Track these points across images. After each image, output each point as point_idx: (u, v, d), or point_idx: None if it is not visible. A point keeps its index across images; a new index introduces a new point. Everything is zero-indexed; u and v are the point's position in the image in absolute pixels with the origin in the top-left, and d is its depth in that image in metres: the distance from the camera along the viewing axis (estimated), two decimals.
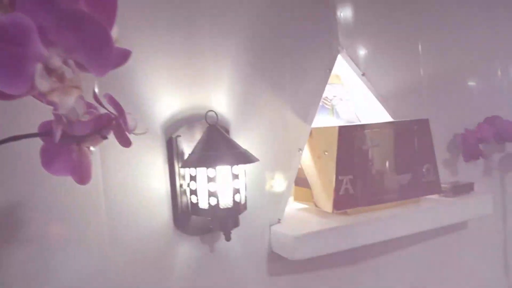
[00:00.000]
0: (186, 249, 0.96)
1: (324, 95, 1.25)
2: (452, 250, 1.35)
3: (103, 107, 0.46)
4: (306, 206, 1.19)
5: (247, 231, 1.03)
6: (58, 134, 0.38)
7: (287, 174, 1.08)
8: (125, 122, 0.46)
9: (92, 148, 0.47)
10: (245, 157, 0.90)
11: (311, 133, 1.13)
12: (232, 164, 0.89)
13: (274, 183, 1.07)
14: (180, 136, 0.94)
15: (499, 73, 1.44)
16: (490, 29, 1.43)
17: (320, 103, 1.23)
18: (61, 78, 0.33)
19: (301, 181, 1.17)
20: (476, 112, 1.37)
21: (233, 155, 0.88)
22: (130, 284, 0.90)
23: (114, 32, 0.37)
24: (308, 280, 1.13)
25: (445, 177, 1.30)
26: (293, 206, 1.20)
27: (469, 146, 1.30)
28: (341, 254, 1.05)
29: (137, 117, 0.87)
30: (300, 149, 1.10)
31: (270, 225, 1.06)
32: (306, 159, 1.15)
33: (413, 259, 1.29)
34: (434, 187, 1.17)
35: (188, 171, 0.93)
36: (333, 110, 1.30)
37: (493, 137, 1.27)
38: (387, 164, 1.12)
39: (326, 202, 1.09)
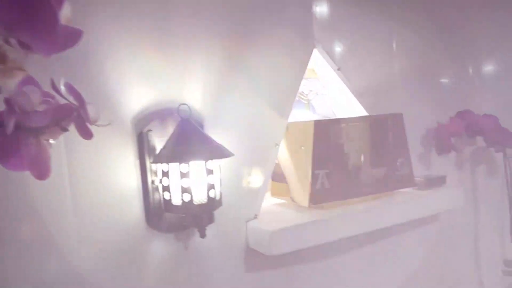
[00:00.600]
0: (160, 247, 0.93)
1: (300, 90, 1.24)
2: (425, 242, 1.37)
3: (62, 96, 0.43)
4: (283, 201, 1.18)
5: (223, 227, 1.01)
6: (10, 125, 0.35)
7: (263, 169, 1.07)
8: (86, 113, 0.43)
9: (51, 141, 0.44)
10: (219, 152, 0.88)
11: (287, 127, 1.12)
12: (206, 159, 0.87)
13: (251, 178, 1.05)
14: (151, 130, 0.91)
15: (471, 71, 1.47)
16: (462, 29, 1.45)
17: (296, 98, 1.22)
18: (2, 58, 0.30)
19: (278, 176, 1.16)
20: (448, 107, 1.39)
21: (207, 150, 0.86)
22: (102, 285, 0.87)
23: (65, 10, 0.34)
24: (285, 276, 1.12)
25: (419, 170, 1.31)
26: (270, 202, 1.19)
27: (442, 140, 1.31)
28: (318, 248, 1.05)
29: (105, 111, 0.86)
30: (277, 144, 1.09)
31: (247, 221, 1.04)
32: (283, 154, 1.14)
33: (388, 251, 1.30)
34: (408, 181, 1.18)
35: (160, 167, 0.90)
36: (309, 105, 1.29)
37: (465, 131, 1.29)
38: (362, 158, 1.12)
39: (302, 197, 1.08)
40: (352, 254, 1.23)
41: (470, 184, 1.48)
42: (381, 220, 1.11)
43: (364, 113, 1.24)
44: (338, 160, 1.09)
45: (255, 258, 1.05)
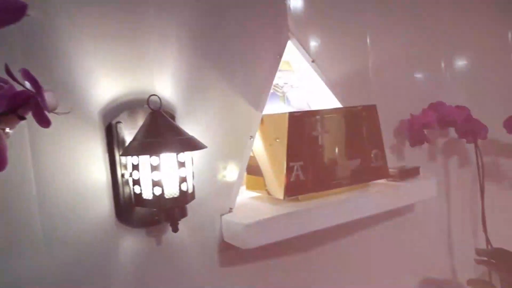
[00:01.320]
0: (131, 243, 0.90)
1: (275, 82, 1.23)
2: (399, 232, 1.38)
3: (18, 82, 0.40)
4: (258, 194, 1.16)
5: (197, 221, 0.99)
6: None
7: (238, 162, 1.05)
8: (43, 100, 0.40)
9: (8, 130, 0.41)
10: (191, 144, 0.85)
11: (262, 120, 1.10)
12: (177, 151, 0.85)
13: (225, 171, 1.04)
14: (120, 122, 0.88)
15: (443, 65, 1.49)
16: (435, 24, 1.47)
17: (271, 91, 1.21)
18: None
19: (253, 169, 1.15)
20: (422, 99, 1.40)
21: (178, 142, 0.83)
22: (72, 284, 0.84)
23: None
24: (261, 269, 1.11)
25: (392, 162, 1.32)
26: (245, 195, 1.18)
27: (415, 132, 1.32)
28: (293, 241, 1.04)
29: (72, 102, 0.82)
30: (252, 137, 1.08)
31: (221, 215, 1.03)
32: (258, 147, 1.13)
33: (363, 242, 1.30)
34: (382, 172, 1.19)
35: (130, 160, 0.88)
36: (284, 98, 1.28)
37: (437, 122, 1.30)
38: (336, 150, 1.12)
39: (277, 189, 1.07)
40: (328, 245, 1.24)
41: (443, 175, 1.50)
42: (355, 212, 1.11)
43: (338, 105, 1.23)
44: (312, 152, 1.08)
45: (230, 252, 1.04)
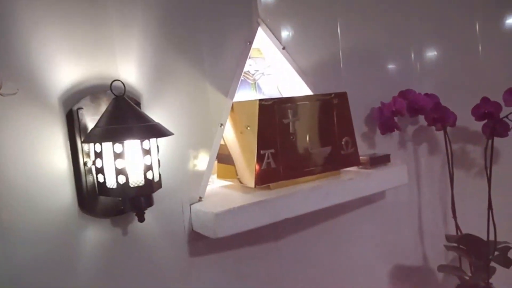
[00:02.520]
0: (95, 234, 0.87)
1: (246, 70, 1.22)
2: (370, 220, 1.39)
3: None
4: (230, 183, 1.15)
5: (165, 210, 0.97)
6: None
7: (208, 150, 1.03)
8: None
9: None
10: (156, 131, 0.83)
11: (232, 107, 1.09)
12: (141, 138, 0.82)
13: (194, 160, 1.01)
14: (82, 108, 0.85)
15: (412, 54, 1.50)
16: (405, 14, 1.47)
17: (242, 78, 1.19)
18: None
19: (224, 158, 1.13)
20: (392, 88, 1.40)
21: (143, 129, 0.81)
22: (34, 278, 0.80)
23: None
24: (232, 258, 1.09)
25: (363, 149, 1.33)
26: (216, 184, 1.16)
27: (385, 119, 1.33)
28: (265, 230, 1.04)
29: (29, 87, 0.78)
30: (222, 124, 1.06)
31: (191, 204, 1.01)
32: (229, 135, 1.11)
33: (334, 230, 1.30)
34: (353, 160, 1.19)
35: (92, 147, 0.84)
36: (255, 85, 1.26)
37: (407, 110, 1.31)
38: (307, 137, 1.11)
39: (249, 178, 1.05)
40: (300, 233, 1.23)
41: (413, 162, 1.51)
42: (327, 199, 1.10)
43: (309, 92, 1.22)
44: (284, 140, 1.07)
45: (200, 242, 1.02)
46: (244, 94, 1.22)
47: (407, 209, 1.50)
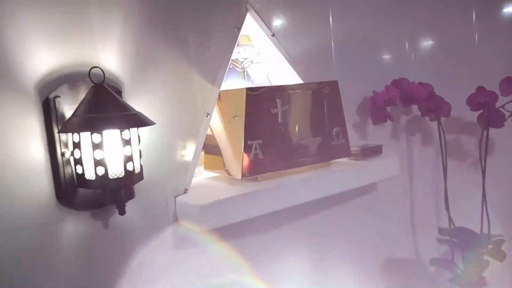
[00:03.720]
0: (74, 227, 0.84)
1: (234, 57, 1.19)
2: (362, 212, 1.37)
3: None
4: (217, 174, 1.12)
5: (148, 203, 0.94)
6: None
7: (194, 141, 1.00)
8: None
9: None
10: (136, 120, 0.79)
11: (220, 96, 1.05)
12: (121, 128, 0.79)
13: (179, 150, 0.98)
14: (59, 96, 0.81)
15: (407, 44, 1.47)
16: (399, 2, 1.44)
17: (230, 66, 1.16)
18: None
19: (212, 149, 1.10)
20: (385, 77, 1.37)
21: (123, 118, 0.77)
22: (8, 276, 0.77)
23: None
24: (218, 251, 1.07)
25: (355, 140, 1.30)
26: (203, 175, 1.13)
27: (377, 109, 1.30)
28: (253, 222, 1.01)
29: (2, 73, 0.75)
30: (208, 114, 1.03)
31: (175, 196, 0.98)
32: (217, 125, 1.08)
33: (325, 222, 1.28)
34: (343, 150, 1.16)
35: (70, 137, 0.81)
36: (244, 73, 1.23)
37: (400, 100, 1.28)
38: (297, 127, 1.08)
39: (236, 169, 1.03)
40: (288, 226, 1.21)
41: (405, 153, 1.48)
42: (316, 191, 1.08)
43: (299, 81, 1.19)
44: (272, 130, 1.04)
45: (185, 234, 0.99)
46: (232, 83, 1.19)
47: (399, 201, 1.48)
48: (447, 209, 1.38)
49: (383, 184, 1.37)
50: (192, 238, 1.01)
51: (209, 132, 1.08)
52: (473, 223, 1.32)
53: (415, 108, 1.41)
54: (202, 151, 1.08)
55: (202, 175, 1.14)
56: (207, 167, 1.13)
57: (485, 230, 1.31)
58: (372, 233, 1.40)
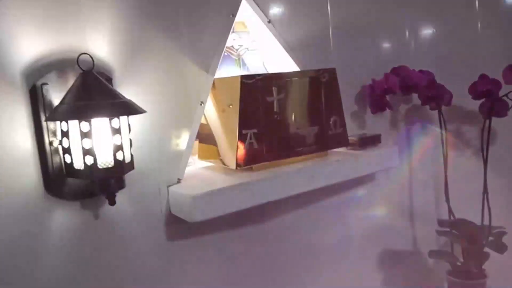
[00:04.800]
0: (63, 218, 0.83)
1: (229, 44, 1.16)
2: (359, 202, 1.35)
3: None
4: (211, 164, 1.10)
5: (140, 193, 0.93)
6: None
7: (187, 130, 0.98)
8: None
9: None
10: (126, 108, 0.77)
11: (214, 84, 1.03)
12: (110, 116, 0.76)
13: (172, 139, 0.97)
14: (47, 84, 0.79)
15: (407, 32, 1.44)
16: None
17: (226, 53, 1.14)
18: None
19: (206, 138, 1.08)
20: (384, 65, 1.34)
21: (112, 106, 0.75)
22: None
23: None
24: (213, 242, 1.06)
25: (353, 129, 1.27)
26: (197, 165, 1.11)
27: (376, 98, 1.27)
28: (248, 212, 0.99)
29: None
30: (202, 102, 1.01)
31: (168, 186, 0.96)
32: (211, 114, 1.06)
33: (322, 213, 1.26)
34: (341, 140, 1.14)
35: (59, 126, 0.79)
36: (239, 61, 1.21)
37: (399, 88, 1.25)
38: (293, 116, 1.06)
39: (231, 159, 1.01)
40: (285, 216, 1.19)
41: (405, 143, 1.46)
42: (312, 182, 1.06)
43: (296, 68, 1.17)
44: (267, 119, 1.02)
45: (178, 225, 0.98)
46: (227, 71, 1.16)
47: (398, 191, 1.46)
48: (447, 200, 1.36)
49: (382, 175, 1.35)
50: (186, 229, 0.99)
51: (203, 120, 1.06)
52: (474, 215, 1.29)
53: (415, 97, 1.38)
54: (196, 140, 1.06)
55: (196, 165, 1.12)
56: (201, 156, 1.11)
57: (486, 222, 1.29)
58: (369, 223, 1.38)
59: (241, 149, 0.98)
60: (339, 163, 1.11)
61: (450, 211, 1.36)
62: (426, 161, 1.49)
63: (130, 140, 0.83)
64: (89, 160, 0.76)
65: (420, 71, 1.30)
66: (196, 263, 1.03)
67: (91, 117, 0.75)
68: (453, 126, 1.46)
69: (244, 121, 0.98)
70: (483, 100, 1.26)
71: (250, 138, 1.00)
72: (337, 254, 1.30)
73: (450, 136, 1.39)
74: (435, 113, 1.36)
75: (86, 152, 0.76)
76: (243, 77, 0.98)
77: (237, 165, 0.99)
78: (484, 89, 1.22)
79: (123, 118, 0.80)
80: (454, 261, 1.34)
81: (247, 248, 1.12)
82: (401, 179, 1.45)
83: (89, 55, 0.80)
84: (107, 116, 0.76)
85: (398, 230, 1.47)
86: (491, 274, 1.30)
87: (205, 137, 1.09)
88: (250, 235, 1.13)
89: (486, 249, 1.28)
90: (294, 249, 1.21)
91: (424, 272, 1.53)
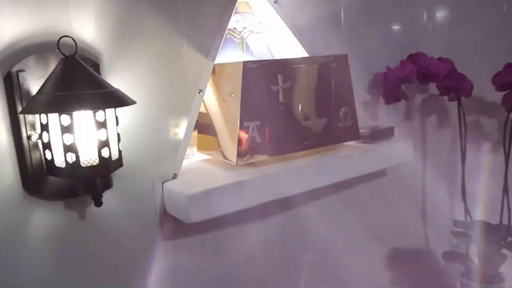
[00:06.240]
0: (45, 219, 0.76)
1: (232, 26, 1.09)
2: (369, 198, 1.29)
3: None
4: (210, 157, 1.03)
5: (132, 189, 0.86)
6: None
7: (184, 120, 0.91)
8: None
9: None
10: (113, 99, 0.69)
11: (214, 71, 0.96)
12: (94, 108, 0.68)
13: (168, 131, 0.89)
14: (24, 70, 0.71)
15: (425, 15, 1.35)
16: None
17: (228, 36, 1.07)
18: None
19: (206, 128, 1.01)
20: (400, 51, 1.26)
21: (96, 96, 0.67)
22: None
23: None
24: (209, 242, 0.99)
25: (364, 121, 1.20)
26: (196, 157, 1.05)
27: (391, 87, 1.19)
28: (249, 211, 0.92)
29: None
30: (200, 90, 0.93)
31: (163, 182, 0.90)
32: (211, 102, 0.99)
33: (330, 208, 1.20)
34: (351, 133, 1.07)
35: (38, 118, 0.71)
36: (243, 45, 1.12)
37: (416, 77, 1.17)
38: (300, 107, 0.98)
39: (231, 152, 0.94)
40: (290, 214, 1.12)
41: (419, 136, 1.39)
42: (319, 179, 0.99)
43: (304, 54, 1.09)
44: (271, 109, 0.94)
45: (173, 224, 0.91)
46: (229, 55, 1.08)
47: (410, 187, 1.39)
48: (464, 198, 1.28)
49: (394, 170, 1.28)
50: (182, 227, 0.92)
51: (203, 109, 0.99)
52: (492, 214, 1.22)
53: (431, 86, 1.30)
54: (195, 130, 0.99)
55: (195, 157, 1.05)
56: (201, 148, 1.04)
57: (505, 222, 1.21)
58: (379, 221, 1.32)
59: (242, 143, 0.91)
60: (349, 159, 1.04)
61: (467, 211, 1.28)
62: (442, 155, 1.42)
63: (118, 135, 0.75)
64: (71, 157, 0.68)
65: (439, 58, 1.21)
66: (193, 264, 0.97)
67: (72, 110, 0.66)
68: (472, 118, 1.38)
69: (246, 112, 0.91)
70: (507, 91, 1.17)
71: (252, 131, 0.92)
72: (344, 252, 1.25)
73: (468, 130, 1.30)
74: (452, 104, 1.27)
75: (67, 148, 0.68)
76: (245, 63, 0.90)
77: (238, 160, 0.92)
78: (510, 80, 1.13)
79: (110, 110, 0.72)
80: (469, 262, 1.27)
81: (249, 246, 1.06)
82: (414, 174, 1.38)
83: (71, 37, 0.71)
84: (90, 109, 0.68)
85: (409, 228, 1.41)
86: (508, 277, 1.23)
87: (205, 127, 1.01)
88: (252, 232, 1.06)
89: (504, 251, 1.21)
90: (298, 248, 1.15)
91: (435, 272, 1.47)
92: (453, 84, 1.16)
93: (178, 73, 0.89)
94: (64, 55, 0.69)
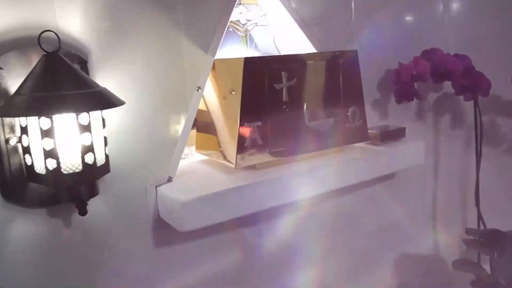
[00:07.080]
0: (26, 228, 0.71)
1: (235, 19, 1.04)
2: (377, 202, 1.24)
3: None
4: (210, 157, 0.98)
5: (123, 194, 0.81)
6: None
7: (181, 120, 0.86)
8: None
9: None
10: (98, 100, 0.64)
11: (214, 66, 0.91)
12: (76, 111, 0.63)
13: (163, 131, 0.85)
14: (2, 68, 0.66)
15: (441, 8, 1.30)
16: None
17: (230, 29, 1.02)
18: None
19: (205, 127, 0.97)
20: (413, 46, 1.21)
21: (80, 97, 0.62)
22: None
23: None
24: (205, 250, 0.95)
25: (374, 121, 1.16)
26: (194, 158, 1.00)
27: (403, 85, 1.13)
28: (250, 217, 0.89)
29: None
30: (199, 88, 0.88)
31: (157, 185, 0.85)
32: (212, 99, 0.94)
33: (335, 213, 1.15)
34: (360, 134, 1.02)
35: (17, 120, 0.66)
36: (246, 38, 1.07)
37: (430, 74, 1.10)
38: (305, 107, 0.93)
39: (231, 153, 0.89)
40: (293, 218, 1.07)
41: (431, 138, 1.34)
42: (324, 184, 0.95)
43: (311, 49, 1.04)
44: (274, 109, 0.89)
45: (167, 230, 0.86)
46: (232, 50, 1.03)
47: (420, 192, 1.35)
48: (477, 204, 1.22)
49: (403, 172, 1.23)
50: (175, 236, 0.88)
51: (203, 107, 0.94)
52: (506, 221, 1.17)
53: (446, 84, 1.24)
54: (193, 129, 0.95)
55: (193, 157, 1.00)
56: (199, 147, 1.00)
57: None
58: (387, 226, 1.28)
59: (242, 145, 0.86)
60: (356, 162, 1.00)
61: (480, 217, 1.22)
62: (455, 158, 1.37)
63: (105, 138, 0.69)
64: (51, 163, 0.63)
65: (456, 55, 1.15)
66: (188, 273, 0.92)
67: (51, 113, 0.61)
68: (488, 118, 1.33)
69: (247, 112, 0.86)
70: None
71: (253, 133, 0.87)
72: (350, 256, 1.21)
73: (484, 131, 1.24)
74: (467, 104, 1.22)
75: (48, 154, 0.63)
76: (247, 58, 0.85)
77: (237, 164, 0.87)
78: None
79: (95, 112, 0.66)
80: (481, 271, 1.22)
81: (249, 254, 1.02)
82: (424, 178, 1.34)
83: (54, 32, 0.66)
84: (71, 111, 0.62)
85: (418, 234, 1.37)
86: None
87: (204, 126, 0.97)
88: (254, 240, 1.03)
89: None
90: (298, 253, 1.11)
91: (444, 281, 1.44)
92: (471, 83, 1.10)
93: (175, 69, 0.85)
94: (45, 51, 0.64)
